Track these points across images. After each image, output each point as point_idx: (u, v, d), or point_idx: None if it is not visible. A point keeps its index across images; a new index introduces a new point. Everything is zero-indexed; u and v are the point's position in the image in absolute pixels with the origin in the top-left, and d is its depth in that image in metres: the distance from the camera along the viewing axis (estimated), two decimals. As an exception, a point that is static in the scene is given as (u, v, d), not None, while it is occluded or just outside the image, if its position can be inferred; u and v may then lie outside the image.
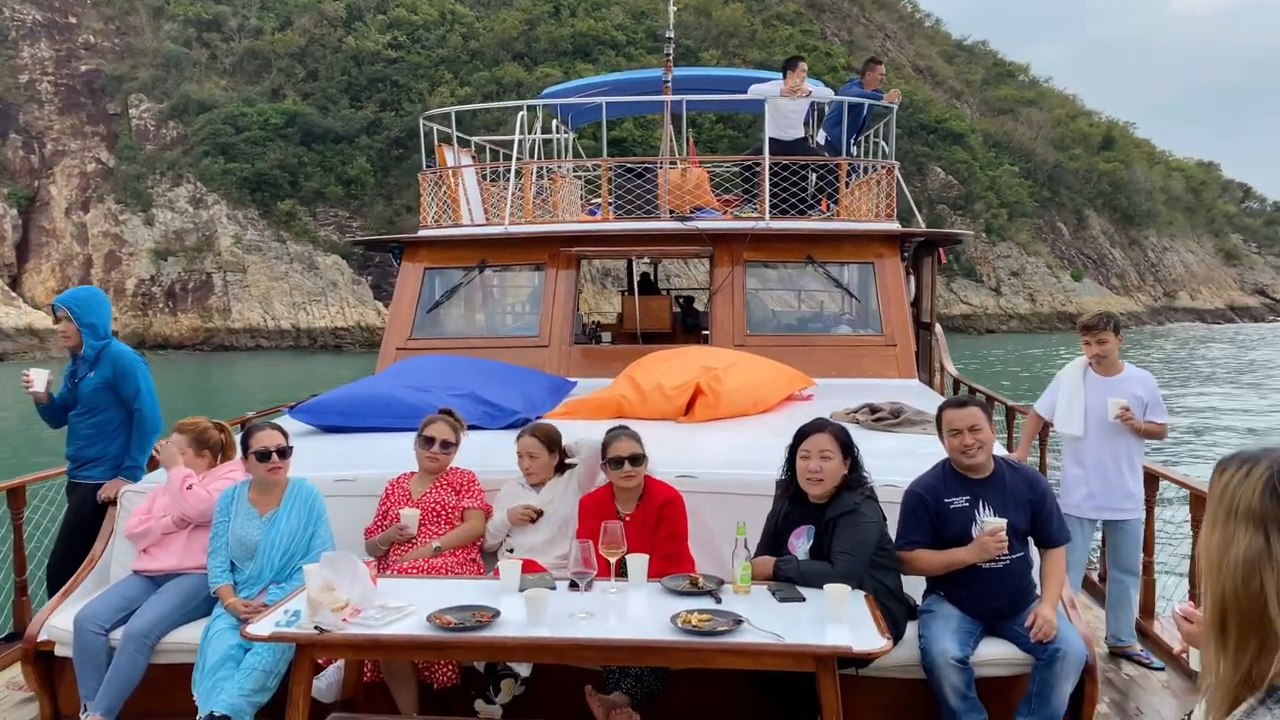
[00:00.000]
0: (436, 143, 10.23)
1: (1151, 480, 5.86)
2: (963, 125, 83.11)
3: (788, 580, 3.99)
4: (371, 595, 3.67)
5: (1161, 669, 5.37)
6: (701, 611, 3.57)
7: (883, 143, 10.68)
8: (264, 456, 4.51)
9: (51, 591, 5.30)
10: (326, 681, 4.31)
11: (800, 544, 4.13)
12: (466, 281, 9.47)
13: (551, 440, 4.89)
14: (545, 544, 4.71)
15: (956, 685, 4.01)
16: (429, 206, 9.98)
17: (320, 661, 4.14)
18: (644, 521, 4.43)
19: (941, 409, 4.34)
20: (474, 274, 9.43)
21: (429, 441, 4.88)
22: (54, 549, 5.52)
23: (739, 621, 3.48)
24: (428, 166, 10.26)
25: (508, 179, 9.65)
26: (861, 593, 3.78)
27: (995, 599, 4.22)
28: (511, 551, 4.74)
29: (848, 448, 4.14)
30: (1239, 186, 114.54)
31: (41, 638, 4.58)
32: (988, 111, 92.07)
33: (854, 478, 4.13)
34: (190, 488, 4.76)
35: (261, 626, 3.63)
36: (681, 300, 11.77)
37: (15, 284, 58.53)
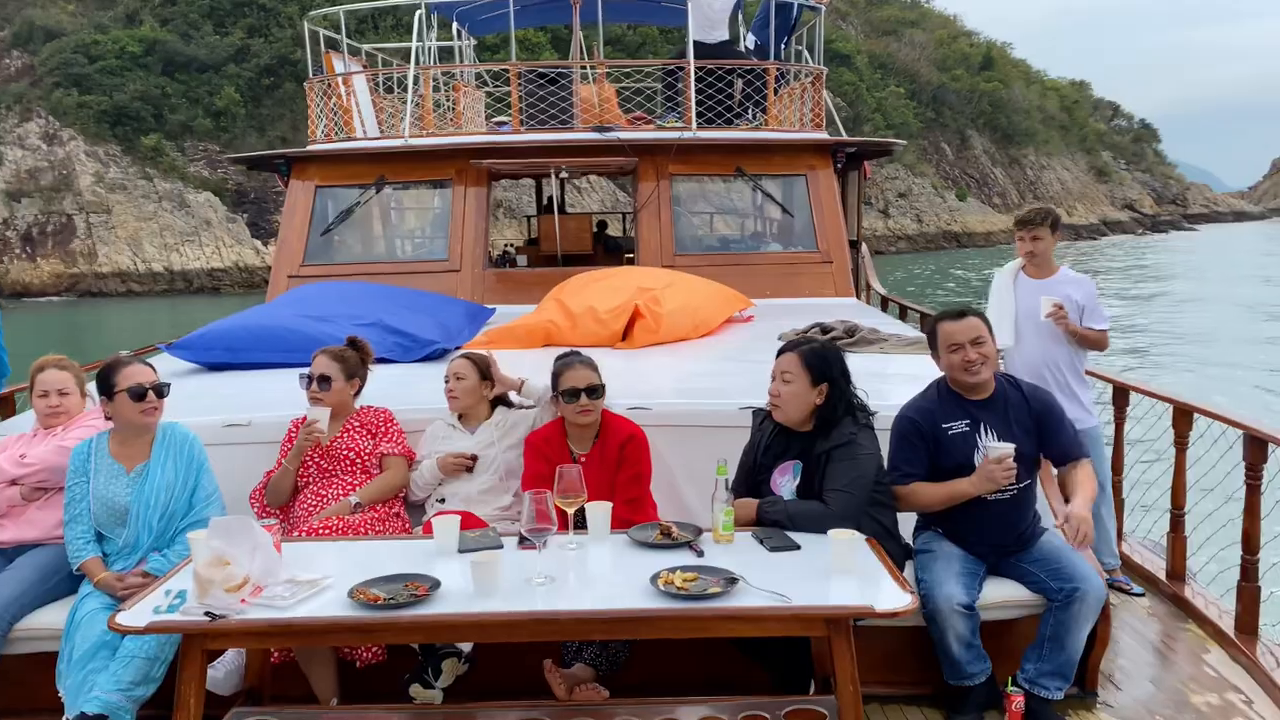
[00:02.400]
0: (324, 49, 9.18)
1: (1121, 395, 5.48)
2: (849, 46, 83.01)
3: (774, 525, 3.41)
4: (276, 567, 2.95)
5: (1142, 594, 5.03)
6: (685, 570, 2.96)
7: (806, 51, 10.06)
8: (139, 395, 3.67)
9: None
10: (224, 670, 3.59)
11: (785, 482, 3.55)
12: (364, 201, 8.55)
13: (483, 366, 4.18)
14: (482, 494, 4.03)
15: (962, 634, 3.52)
16: (318, 120, 8.96)
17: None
18: (602, 462, 3.78)
19: (937, 321, 3.78)
20: (371, 192, 8.50)
21: (306, 380, 4.14)
22: None
23: (733, 580, 2.88)
24: (314, 75, 9.20)
25: (403, 90, 8.71)
26: (862, 537, 3.22)
27: (1001, 534, 3.73)
28: (442, 502, 4.05)
29: (819, 372, 3.55)
30: (1108, 105, 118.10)
31: None
32: (872, 33, 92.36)
33: (845, 404, 3.54)
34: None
35: (136, 614, 2.87)
36: (596, 223, 11.03)
37: None
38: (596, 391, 3.79)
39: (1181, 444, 4.95)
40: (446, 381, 4.16)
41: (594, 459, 3.79)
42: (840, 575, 3.00)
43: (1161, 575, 5.12)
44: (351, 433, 4.13)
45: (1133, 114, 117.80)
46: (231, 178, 61.84)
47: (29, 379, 4.15)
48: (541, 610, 2.78)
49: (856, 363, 5.44)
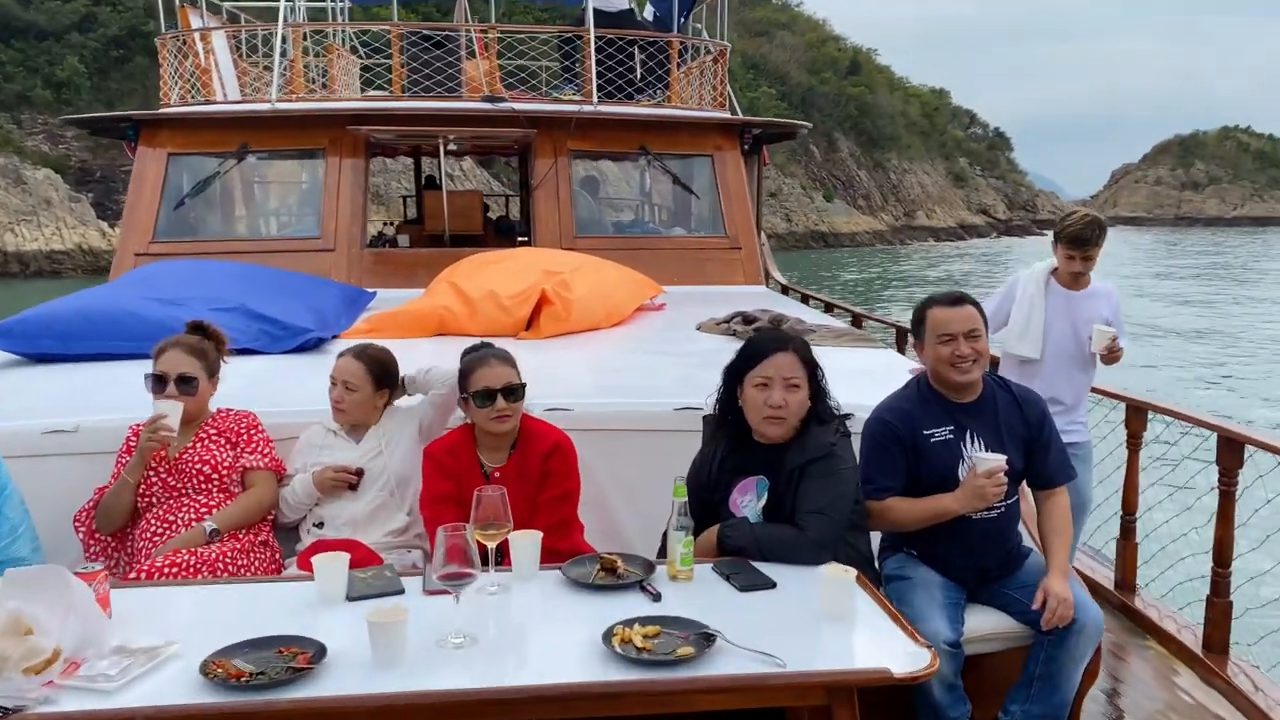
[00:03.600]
0: (179, 3, 8.15)
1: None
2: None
3: (737, 552, 2.83)
4: (101, 631, 2.19)
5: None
6: (644, 622, 2.34)
7: (704, 30, 9.55)
8: None
9: None
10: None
11: (747, 502, 2.96)
12: (224, 171, 7.58)
13: (383, 368, 3.47)
14: (370, 515, 3.31)
15: (945, 675, 3.00)
16: (171, 82, 7.93)
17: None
18: (521, 478, 3.12)
19: (927, 307, 3.25)
20: (233, 162, 7.55)
21: (158, 382, 3.34)
22: None
23: (708, 638, 2.28)
24: (167, 30, 8.15)
25: (269, 52, 7.78)
26: (852, 574, 2.64)
27: (985, 557, 3.23)
28: (320, 527, 3.32)
29: (815, 371, 2.98)
30: (966, 113, 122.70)
31: None
32: (745, 33, 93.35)
33: (822, 408, 2.98)
34: None
35: (-105, 703, 2.07)
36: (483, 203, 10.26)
37: None
38: (516, 393, 3.13)
39: (1135, 444, 4.60)
40: (333, 387, 3.43)
41: (510, 474, 3.13)
42: (831, 623, 2.44)
43: (1109, 585, 4.78)
44: (206, 442, 3.35)
45: (988, 123, 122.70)
46: (75, 154, 57.79)
47: None
48: (464, 689, 2.10)
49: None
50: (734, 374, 3.00)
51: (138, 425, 3.41)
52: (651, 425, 3.74)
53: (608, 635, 2.26)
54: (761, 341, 2.98)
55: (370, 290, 6.58)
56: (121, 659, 2.14)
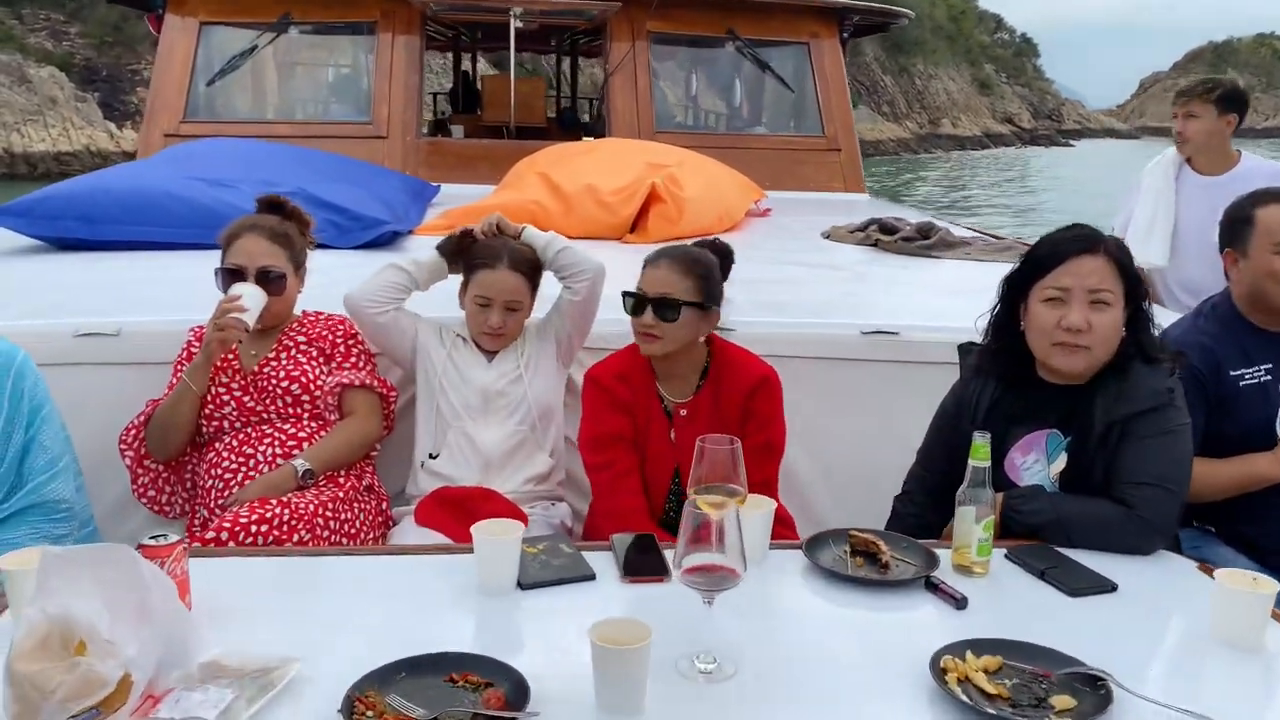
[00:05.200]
0: None
1: None
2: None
3: (1030, 533, 2.07)
4: (188, 643, 1.45)
5: None
6: (974, 647, 1.59)
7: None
8: None
9: None
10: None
11: (1032, 463, 2.18)
12: (263, 45, 6.68)
13: (537, 271, 2.68)
14: (508, 454, 2.56)
15: None
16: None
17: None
18: (714, 420, 2.35)
19: (1258, 203, 2.45)
20: (272, 35, 6.65)
21: (232, 279, 2.55)
22: None
23: (1097, 685, 1.52)
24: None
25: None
26: (1274, 585, 1.82)
27: (1302, 536, 2.50)
28: (434, 459, 2.57)
29: (1135, 287, 2.17)
30: (992, 17, 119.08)
31: None
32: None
33: (1147, 340, 2.18)
34: None
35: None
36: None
37: None
38: (671, 310, 2.32)
39: None
40: (483, 310, 2.60)
41: (700, 414, 2.36)
42: (1241, 654, 1.67)
43: None
44: (293, 352, 2.59)
45: (1014, 28, 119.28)
46: (80, 51, 56.18)
47: None
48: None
49: (952, 275, 4.22)
50: (1016, 285, 2.21)
51: (200, 327, 2.66)
52: (834, 352, 2.98)
53: (937, 669, 1.52)
54: (1058, 241, 2.16)
55: (434, 184, 5.77)
56: (221, 688, 1.40)
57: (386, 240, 4.19)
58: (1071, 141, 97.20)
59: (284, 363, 2.55)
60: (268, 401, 2.50)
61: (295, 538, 2.19)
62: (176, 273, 3.53)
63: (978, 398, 2.23)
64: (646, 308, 2.32)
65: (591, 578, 1.81)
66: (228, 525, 2.13)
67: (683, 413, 2.36)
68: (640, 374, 2.38)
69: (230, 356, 2.57)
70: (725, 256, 2.45)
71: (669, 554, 1.87)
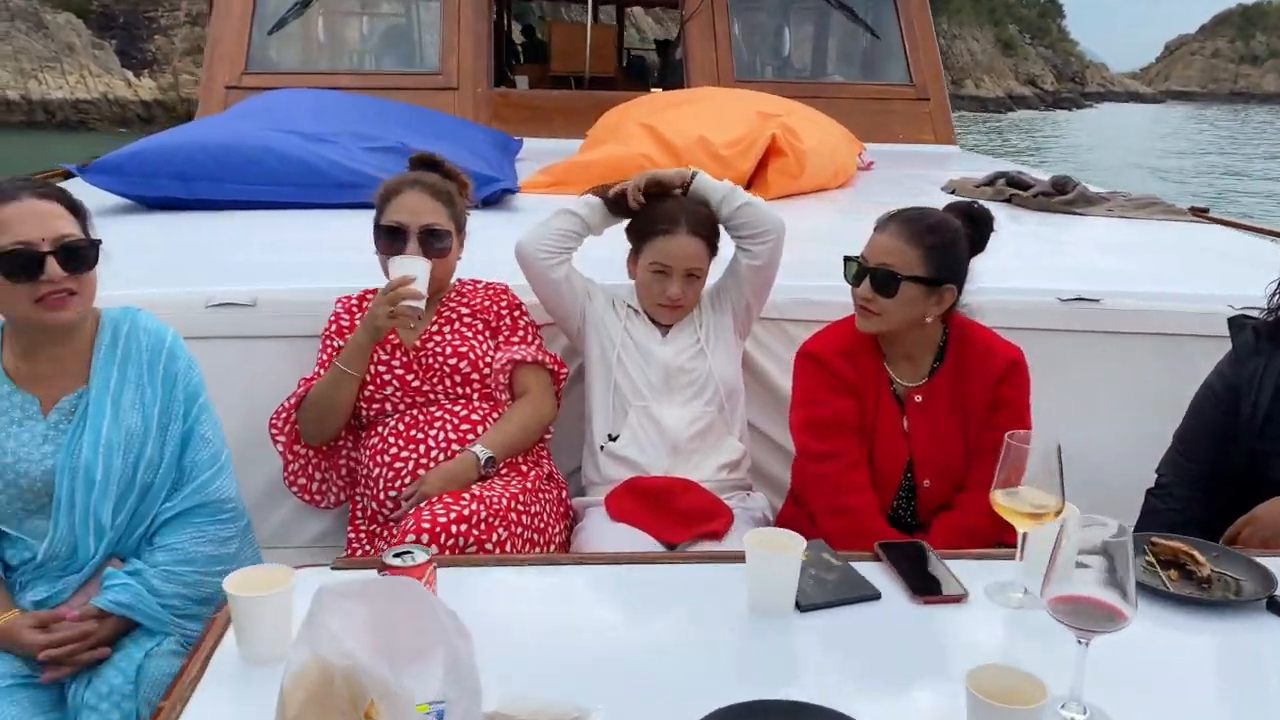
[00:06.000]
0: None
1: None
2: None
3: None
4: (479, 694, 1.23)
5: None
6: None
7: None
8: (22, 266, 1.80)
9: None
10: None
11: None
12: (325, -10, 6.39)
13: (715, 234, 2.43)
14: (695, 438, 2.32)
15: None
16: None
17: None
18: (954, 409, 2.10)
19: None
20: (335, -21, 6.36)
21: (391, 237, 2.31)
22: None
23: None
24: None
25: None
26: None
27: None
28: (614, 441, 2.34)
29: None
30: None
31: None
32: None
33: None
34: None
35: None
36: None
37: None
38: (888, 283, 2.05)
39: None
40: (660, 279, 2.35)
41: (937, 401, 2.12)
42: None
43: None
44: (458, 326, 2.35)
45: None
46: (95, -3, 55.26)
47: None
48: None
49: (1106, 233, 3.94)
50: None
51: (347, 298, 2.43)
52: (1028, 322, 2.72)
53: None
54: None
55: (516, 138, 5.49)
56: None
57: (495, 199, 3.93)
58: (1095, 105, 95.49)
59: (449, 337, 2.32)
60: (434, 380, 2.27)
61: (494, 536, 1.97)
62: (304, 234, 3.30)
63: (1260, 378, 1.97)
64: (865, 278, 2.06)
65: (876, 597, 1.58)
66: (426, 525, 1.91)
67: (917, 398, 2.12)
68: (866, 352, 2.13)
69: (393, 334, 2.34)
70: (981, 224, 2.15)
71: (950, 565, 1.65)
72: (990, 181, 4.49)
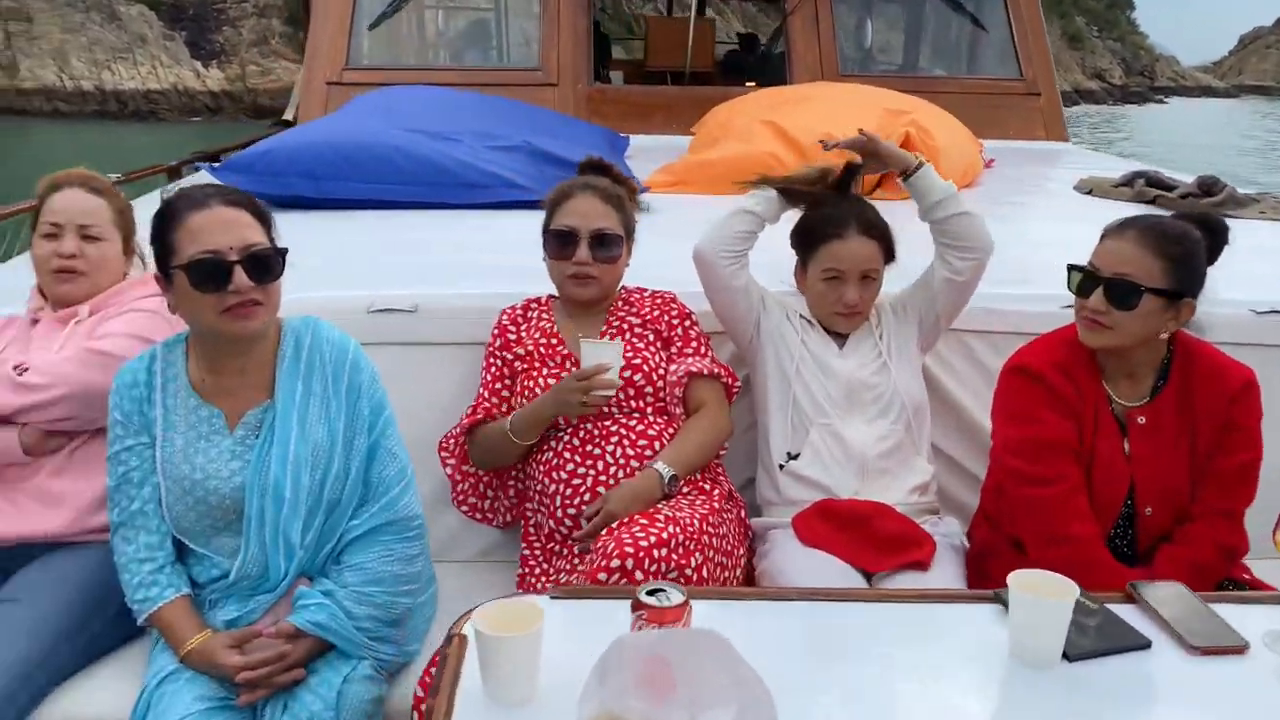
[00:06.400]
0: None
1: None
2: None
3: None
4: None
5: None
6: None
7: None
8: (210, 275, 1.75)
9: None
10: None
11: None
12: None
13: (888, 235, 2.31)
14: (883, 457, 2.20)
15: None
16: None
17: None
18: (1181, 432, 1.97)
19: None
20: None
21: (562, 241, 2.23)
22: None
23: None
24: None
25: None
26: None
27: None
28: (795, 460, 2.24)
29: None
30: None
31: None
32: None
33: None
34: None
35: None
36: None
37: None
38: (1127, 295, 1.92)
39: None
40: (835, 285, 2.24)
41: (1162, 423, 1.98)
42: None
43: None
44: (627, 337, 2.27)
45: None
46: (168, -12, 56.44)
47: (35, 205, 2.21)
48: None
49: (1268, 238, 3.73)
50: None
51: (512, 308, 2.36)
52: (1222, 336, 2.55)
53: None
54: None
55: (623, 135, 5.40)
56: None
57: (625, 197, 3.85)
58: (1165, 99, 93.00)
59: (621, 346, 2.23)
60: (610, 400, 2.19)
61: (691, 561, 1.88)
62: (457, 235, 3.26)
63: None
64: (1097, 288, 1.93)
65: (1146, 645, 1.47)
66: (629, 550, 1.82)
67: (1140, 420, 1.99)
68: (1083, 368, 2.00)
69: (555, 342, 2.26)
70: (1218, 235, 2.03)
71: (1215, 609, 1.53)
72: (1128, 182, 4.31)
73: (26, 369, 1.99)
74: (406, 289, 2.55)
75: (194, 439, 1.83)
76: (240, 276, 1.75)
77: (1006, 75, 6.45)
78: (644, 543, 1.83)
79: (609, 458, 2.11)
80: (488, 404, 2.25)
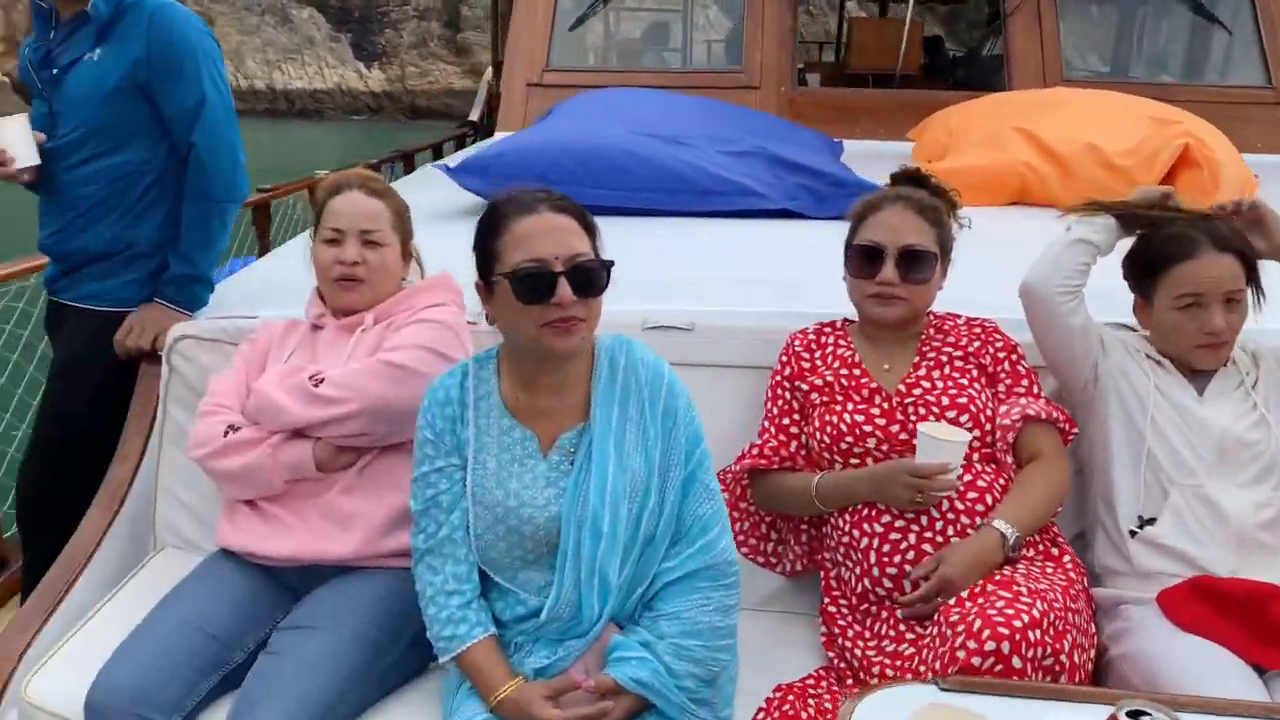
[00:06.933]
0: None
1: None
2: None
3: None
4: None
5: None
6: None
7: None
8: (539, 286, 1.60)
9: (26, 535, 2.50)
10: None
11: None
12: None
13: (1249, 253, 2.01)
14: (1261, 530, 1.89)
15: None
16: None
17: None
18: None
19: None
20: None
21: (867, 259, 2.02)
22: (26, 458, 2.50)
23: None
24: None
25: None
26: None
27: None
28: (1149, 524, 1.94)
29: None
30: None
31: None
32: None
33: None
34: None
35: None
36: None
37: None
38: None
39: None
40: (1190, 308, 1.95)
41: None
42: None
43: None
44: (946, 370, 2.01)
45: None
46: (336, -8, 59.05)
47: (315, 210, 2.12)
48: None
49: None
50: None
51: (804, 333, 2.17)
52: None
53: None
54: None
55: (836, 139, 5.14)
56: None
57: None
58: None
59: (941, 384, 1.99)
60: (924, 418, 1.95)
61: (1063, 645, 1.61)
62: (683, 241, 3.07)
63: None
64: None
65: None
66: (1004, 632, 1.53)
67: None
68: None
69: (858, 372, 2.04)
70: None
71: None
72: None
73: (322, 380, 1.89)
74: (682, 304, 2.37)
75: (507, 462, 1.69)
76: (564, 289, 1.59)
77: (1251, 84, 5.89)
78: (1017, 623, 1.57)
79: (934, 511, 1.87)
80: (775, 442, 2.05)
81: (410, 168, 7.26)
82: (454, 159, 3.68)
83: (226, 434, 1.90)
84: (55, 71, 2.32)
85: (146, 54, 2.26)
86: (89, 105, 2.28)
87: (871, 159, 4.63)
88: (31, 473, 2.41)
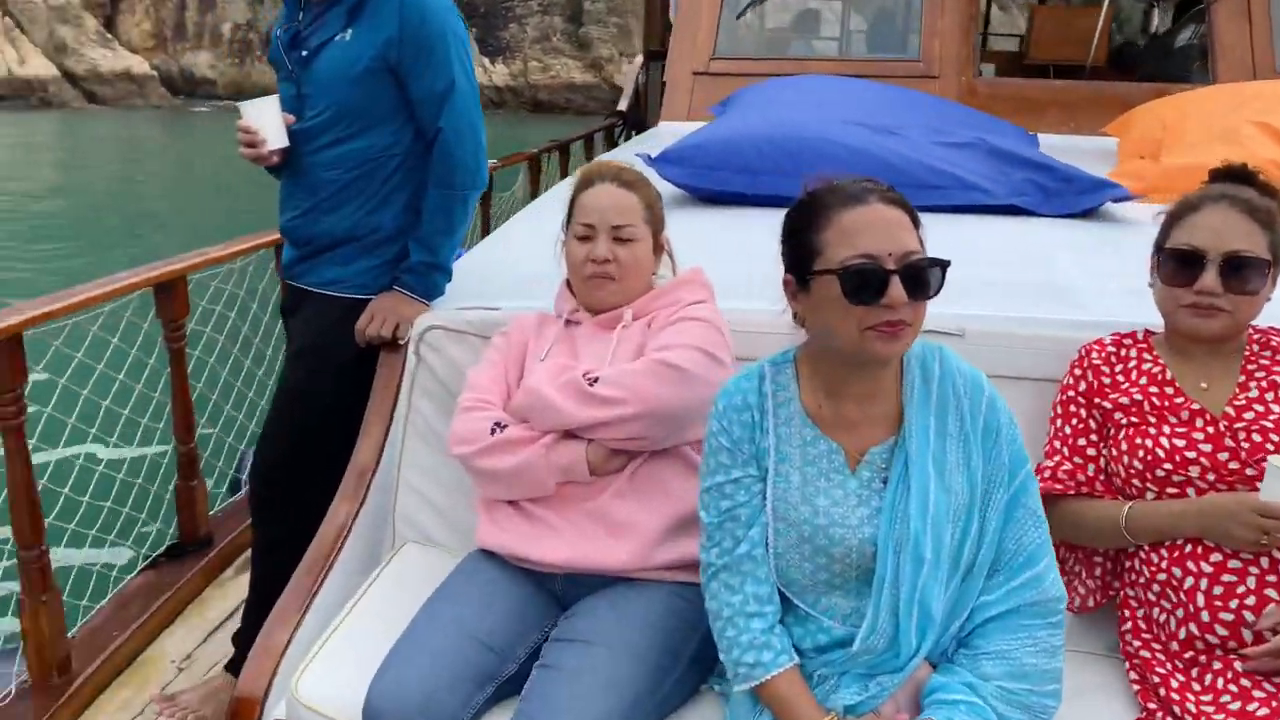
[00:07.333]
0: None
1: None
2: None
3: None
4: None
5: None
6: None
7: None
8: (869, 285, 1.46)
9: (261, 532, 2.48)
10: None
11: None
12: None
13: None
14: None
15: None
16: None
17: None
18: None
19: None
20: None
21: (1187, 261, 1.80)
22: (260, 441, 2.48)
23: None
24: None
25: None
26: None
27: None
28: None
29: None
30: None
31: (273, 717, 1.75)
32: None
33: None
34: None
35: None
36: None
37: (110, 25, 55.05)
38: None
39: None
40: None
41: None
42: None
43: None
44: (1252, 387, 1.80)
45: None
46: (463, -11, 60.50)
47: (569, 201, 2.02)
48: None
49: None
50: None
51: (1102, 344, 1.97)
52: None
53: None
54: None
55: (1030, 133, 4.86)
56: None
57: (1096, 207, 3.34)
58: None
59: (1273, 406, 1.76)
60: (1259, 460, 1.73)
61: None
62: (982, 245, 2.86)
63: None
64: None
65: None
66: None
67: None
68: None
69: (1171, 391, 1.83)
70: None
71: None
72: None
73: (596, 378, 1.78)
74: (950, 307, 2.19)
75: (813, 476, 1.55)
76: (896, 289, 1.44)
77: None
78: None
79: (1277, 553, 1.65)
80: (1070, 465, 1.85)
81: (565, 159, 7.24)
82: (653, 148, 3.54)
83: (494, 431, 1.81)
84: (305, 53, 2.27)
85: (399, 33, 2.19)
86: (339, 87, 2.23)
87: (1067, 153, 4.35)
88: (271, 456, 2.37)
